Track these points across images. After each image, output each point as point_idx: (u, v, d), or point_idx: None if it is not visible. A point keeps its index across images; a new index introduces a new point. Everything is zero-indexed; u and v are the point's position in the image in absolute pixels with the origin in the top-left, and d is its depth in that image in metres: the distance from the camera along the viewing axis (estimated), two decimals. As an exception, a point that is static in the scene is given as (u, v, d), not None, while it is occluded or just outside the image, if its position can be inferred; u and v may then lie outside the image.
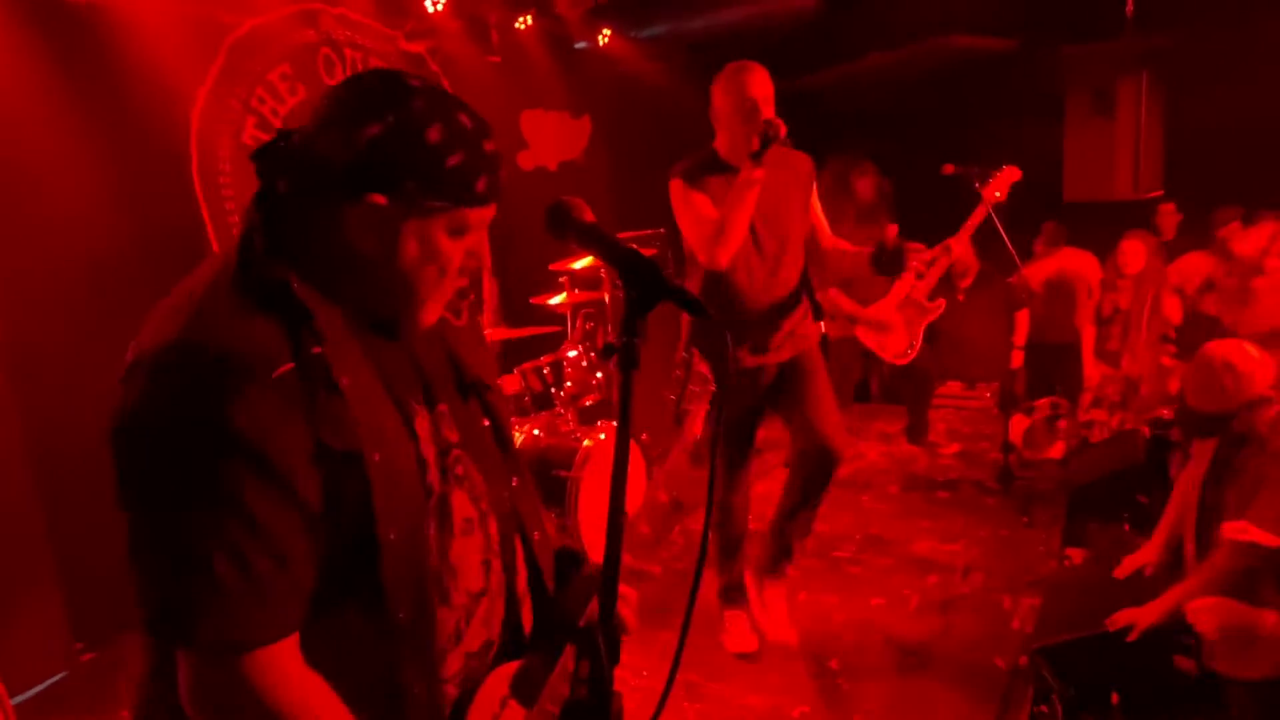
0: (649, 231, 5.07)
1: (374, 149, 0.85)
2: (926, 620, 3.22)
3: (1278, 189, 4.67)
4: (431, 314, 0.97)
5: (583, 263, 3.94)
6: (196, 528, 0.78)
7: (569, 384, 3.80)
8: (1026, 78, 5.35)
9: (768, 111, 2.56)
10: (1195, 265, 4.76)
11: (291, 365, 0.82)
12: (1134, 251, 4.58)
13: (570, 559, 1.21)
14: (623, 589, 1.09)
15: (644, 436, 4.23)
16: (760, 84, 2.60)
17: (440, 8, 4.34)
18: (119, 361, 0.86)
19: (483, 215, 0.93)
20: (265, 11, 3.66)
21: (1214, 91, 5.02)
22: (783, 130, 2.44)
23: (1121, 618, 2.37)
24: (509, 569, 1.04)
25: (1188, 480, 2.59)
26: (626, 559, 3.55)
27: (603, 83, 5.71)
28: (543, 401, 3.75)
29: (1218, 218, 4.73)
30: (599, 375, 3.91)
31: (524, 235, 4.91)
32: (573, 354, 3.85)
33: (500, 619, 1.02)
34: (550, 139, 5.39)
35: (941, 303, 4.47)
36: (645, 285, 0.88)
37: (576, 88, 5.47)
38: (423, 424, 0.95)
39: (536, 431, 3.69)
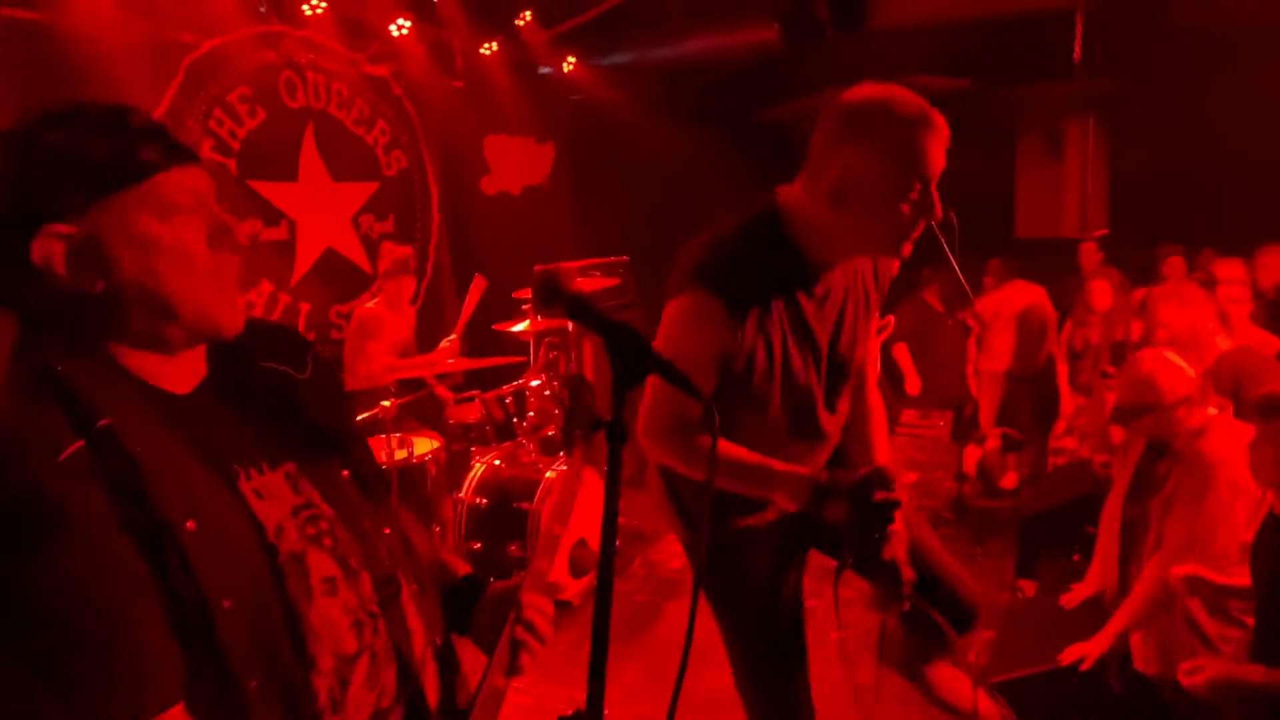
0: (611, 259, 5.09)
1: (14, 187, 0.83)
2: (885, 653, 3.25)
3: (1217, 229, 4.88)
4: (218, 315, 0.90)
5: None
6: (24, 633, 0.73)
7: (531, 414, 3.77)
8: (979, 117, 5.51)
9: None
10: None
11: (80, 443, 0.78)
12: (1101, 290, 4.75)
13: (472, 587, 1.17)
14: (538, 600, 1.08)
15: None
16: (942, 153, 1.46)
17: (405, 32, 4.32)
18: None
19: (178, 181, 0.87)
20: (225, 32, 3.61)
21: (1156, 135, 5.24)
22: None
23: (1072, 653, 2.43)
24: (396, 628, 0.98)
25: (1114, 499, 2.68)
26: (583, 583, 3.52)
27: (567, 109, 5.74)
28: (504, 431, 3.72)
29: (1167, 261, 4.91)
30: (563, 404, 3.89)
31: (486, 260, 4.93)
32: (535, 383, 3.83)
33: (392, 687, 0.97)
34: (514, 164, 5.39)
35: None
36: (633, 359, 0.88)
37: (541, 114, 5.48)
38: (256, 485, 0.90)
39: (498, 462, 3.65)
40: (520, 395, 3.79)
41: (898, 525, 1.44)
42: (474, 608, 1.15)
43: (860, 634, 2.19)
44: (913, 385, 5.24)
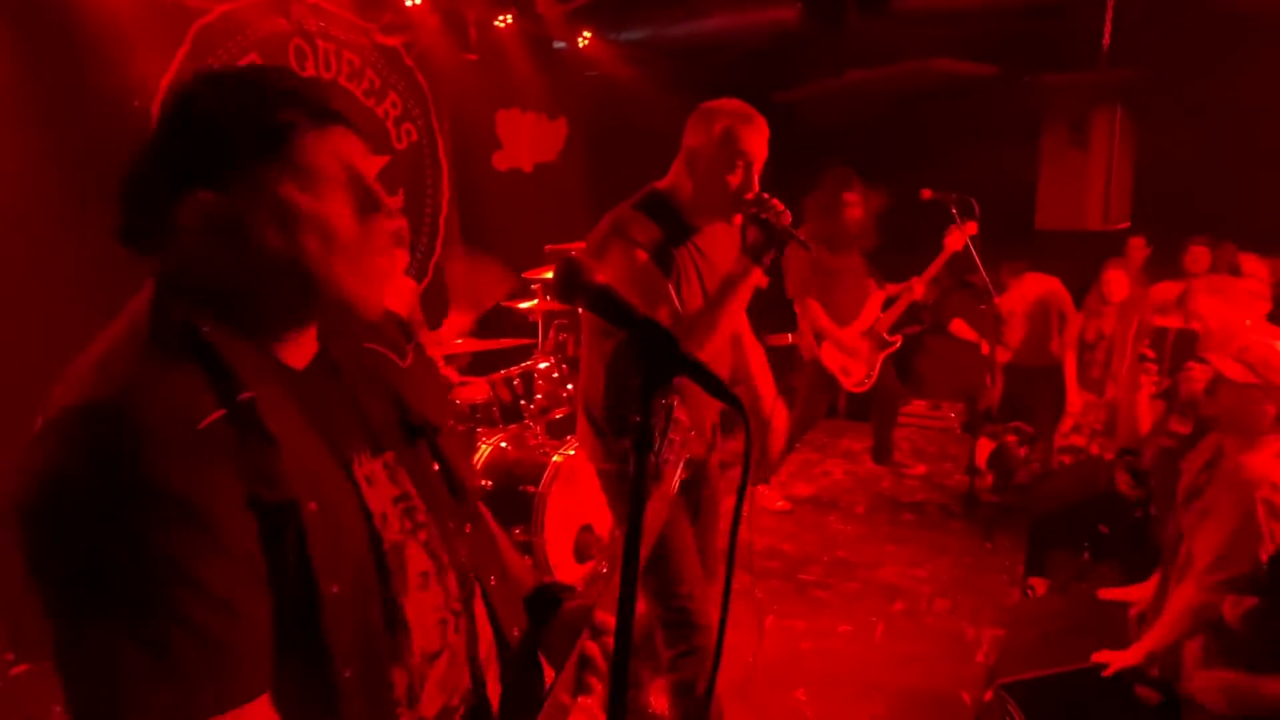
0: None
1: (160, 152, 0.82)
2: (892, 649, 3.21)
3: (1241, 223, 4.78)
4: (361, 293, 0.86)
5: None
6: (139, 607, 0.71)
7: (539, 396, 3.71)
8: (1004, 105, 5.40)
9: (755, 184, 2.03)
10: (1169, 294, 4.84)
11: (221, 413, 0.76)
12: (1118, 280, 4.65)
13: (548, 599, 1.14)
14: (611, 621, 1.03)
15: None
16: (760, 141, 2.03)
17: (418, 2, 4.22)
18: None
19: (323, 144, 0.83)
20: (235, -3, 3.51)
21: (1183, 126, 5.12)
22: (786, 219, 1.95)
23: (1104, 659, 2.36)
24: (470, 630, 0.97)
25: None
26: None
27: (581, 85, 5.63)
28: (511, 413, 3.66)
29: (1188, 249, 4.81)
30: (570, 387, 3.83)
31: (496, 238, 4.85)
32: (543, 365, 3.77)
33: (465, 686, 0.96)
34: (525, 140, 5.29)
35: (899, 338, 4.63)
36: (661, 357, 0.80)
37: (554, 89, 5.37)
38: (366, 471, 0.89)
39: (504, 444, 3.59)
40: (528, 377, 3.73)
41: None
42: (548, 624, 1.13)
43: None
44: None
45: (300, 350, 0.89)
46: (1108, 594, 2.77)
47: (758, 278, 1.99)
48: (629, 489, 0.77)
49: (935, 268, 4.52)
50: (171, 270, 0.83)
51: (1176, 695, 2.25)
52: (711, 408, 2.28)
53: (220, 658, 0.73)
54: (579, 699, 1.01)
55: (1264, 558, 2.10)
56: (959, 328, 5.27)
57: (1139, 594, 2.70)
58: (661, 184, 2.13)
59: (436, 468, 1.00)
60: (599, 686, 1.02)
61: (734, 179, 2.00)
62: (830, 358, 4.49)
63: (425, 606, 0.91)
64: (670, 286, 2.00)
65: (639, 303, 0.87)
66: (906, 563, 3.92)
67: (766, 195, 1.96)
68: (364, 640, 0.82)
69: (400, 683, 0.87)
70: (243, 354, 0.81)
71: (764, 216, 1.92)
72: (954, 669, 3.06)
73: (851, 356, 4.53)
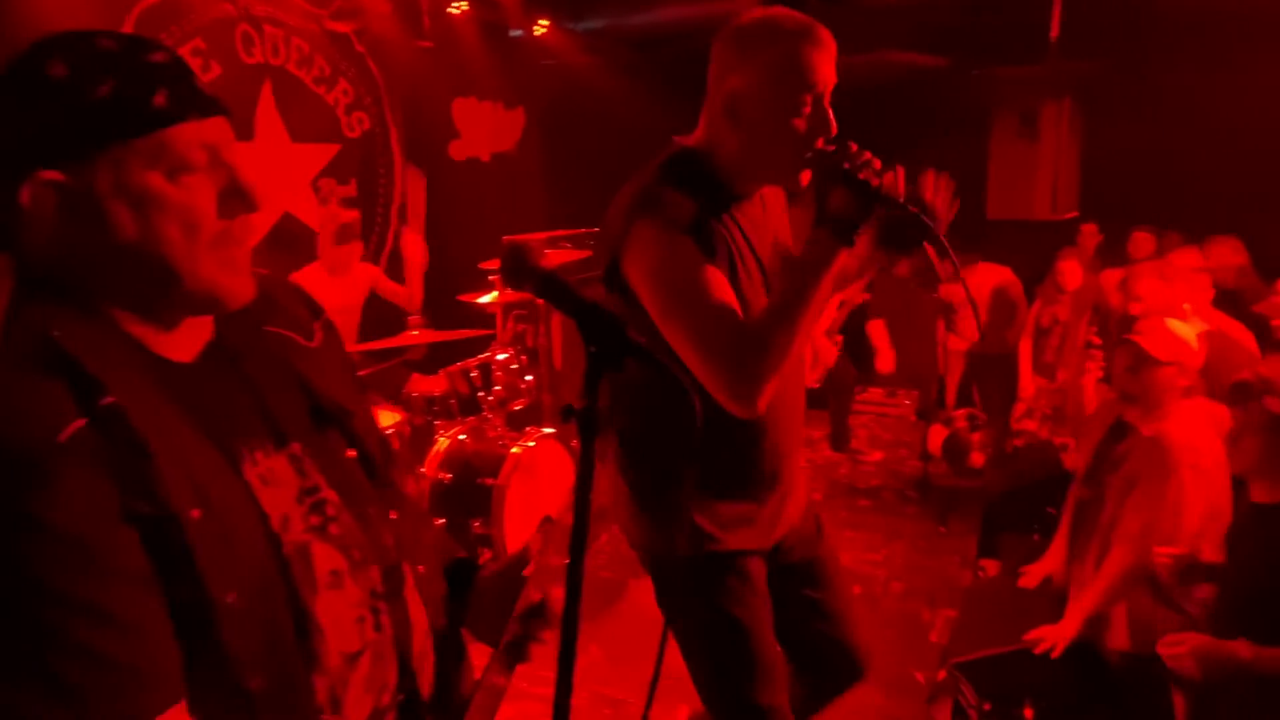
0: (583, 230, 4.99)
1: (14, 115, 0.73)
2: (849, 632, 3.27)
3: (1189, 211, 4.92)
4: (224, 283, 0.81)
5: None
6: (17, 642, 0.67)
7: (497, 388, 3.69)
8: (955, 96, 5.49)
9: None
10: (1116, 280, 4.97)
11: (82, 422, 0.70)
12: (1071, 270, 4.76)
13: (463, 572, 1.12)
14: (551, 589, 1.03)
15: (573, 443, 4.16)
16: (830, 66, 1.46)
17: (370, -12, 4.15)
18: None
19: (193, 134, 0.77)
20: (179, -19, 3.42)
21: (1130, 118, 5.25)
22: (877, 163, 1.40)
23: (1039, 634, 2.44)
24: (399, 622, 0.93)
25: (1076, 481, 2.70)
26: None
27: (539, 74, 5.59)
28: (469, 406, 3.64)
29: (1132, 236, 4.94)
30: (528, 379, 3.81)
31: (453, 229, 4.81)
32: (502, 356, 3.74)
33: (393, 684, 0.92)
34: (483, 129, 5.24)
35: (841, 338, 4.71)
36: (608, 342, 0.81)
37: (511, 78, 5.34)
38: (262, 469, 0.84)
39: (463, 437, 3.57)
40: (486, 369, 3.70)
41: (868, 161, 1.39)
42: (466, 597, 1.09)
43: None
44: (885, 363, 5.21)
45: (185, 341, 0.84)
46: (1029, 580, 2.84)
47: (844, 262, 1.41)
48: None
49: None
50: (27, 263, 0.77)
51: (1141, 666, 2.33)
52: None
53: (119, 677, 0.70)
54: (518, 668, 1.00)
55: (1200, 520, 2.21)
56: (875, 330, 5.26)
57: (1051, 565, 2.78)
58: (691, 140, 1.56)
59: (353, 454, 0.94)
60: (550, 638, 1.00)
61: (801, 123, 1.43)
62: None
63: (340, 605, 0.86)
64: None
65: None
66: (863, 548, 3.98)
67: (854, 145, 1.39)
68: (270, 648, 0.79)
69: (321, 687, 0.84)
70: (109, 353, 0.76)
71: (861, 175, 1.35)
72: (908, 650, 3.12)
73: (819, 352, 4.58)
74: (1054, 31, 4.90)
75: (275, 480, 0.84)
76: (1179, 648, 2.03)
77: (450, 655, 1.02)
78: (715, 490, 1.56)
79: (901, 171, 1.43)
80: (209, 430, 0.80)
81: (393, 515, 0.96)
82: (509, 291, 3.83)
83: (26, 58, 0.75)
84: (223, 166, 0.80)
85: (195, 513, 0.74)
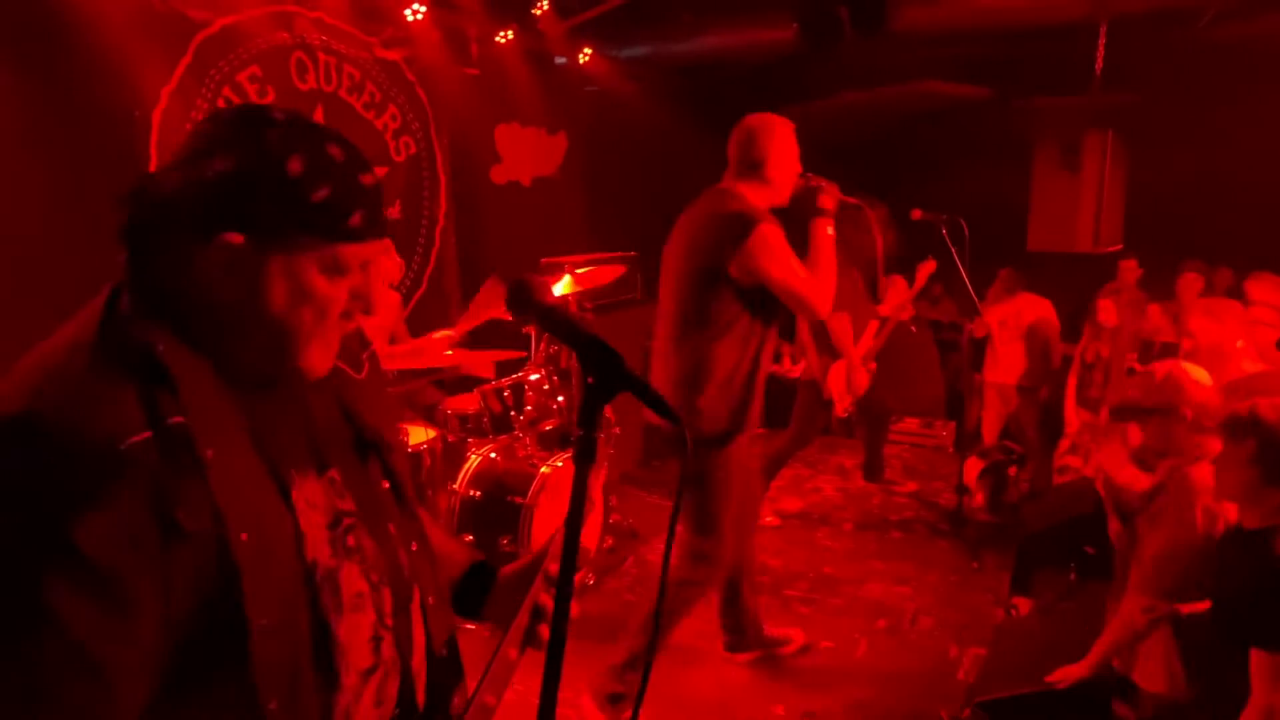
0: (620, 254, 5.05)
1: (223, 184, 0.79)
2: (874, 666, 3.23)
3: (1232, 247, 4.81)
4: (317, 362, 0.89)
5: (560, 285, 3.89)
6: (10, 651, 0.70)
7: (529, 408, 3.75)
8: (997, 127, 5.45)
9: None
10: (1160, 319, 4.88)
11: (146, 435, 0.74)
12: (1106, 310, 4.71)
13: (486, 573, 1.16)
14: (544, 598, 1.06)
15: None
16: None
17: (419, 17, 4.28)
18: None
19: (362, 253, 0.86)
20: (238, 10, 3.57)
21: (1174, 151, 5.17)
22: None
23: (1057, 675, 2.43)
24: (403, 643, 0.97)
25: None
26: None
27: (581, 101, 5.69)
28: (501, 424, 3.69)
29: (1182, 274, 4.85)
30: (560, 399, 3.86)
31: (493, 251, 4.90)
32: (534, 377, 3.80)
33: (394, 698, 0.96)
34: (525, 154, 5.34)
35: (874, 366, 4.70)
36: (606, 375, 0.85)
37: (554, 104, 5.44)
38: (305, 494, 0.88)
39: (494, 455, 3.63)
40: (519, 389, 3.76)
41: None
42: (490, 594, 1.14)
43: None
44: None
45: (257, 373, 0.90)
46: None
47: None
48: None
49: (916, 289, 4.68)
50: (149, 284, 0.82)
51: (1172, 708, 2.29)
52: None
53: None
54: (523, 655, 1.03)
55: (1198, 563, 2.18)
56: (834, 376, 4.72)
57: None
58: (725, 185, 2.82)
59: (386, 485, 0.99)
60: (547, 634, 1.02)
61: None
62: (835, 378, 4.52)
63: (359, 626, 0.91)
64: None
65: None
66: (893, 580, 3.93)
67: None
68: (291, 669, 0.82)
69: (339, 704, 0.87)
70: (195, 372, 0.80)
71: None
72: (934, 687, 3.07)
73: (854, 378, 4.57)
74: (1098, 63, 4.85)
75: (314, 505, 0.88)
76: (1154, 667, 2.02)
77: (447, 677, 1.05)
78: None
79: None
80: (265, 455, 0.84)
81: (414, 546, 1.00)
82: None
83: (273, 142, 0.81)
84: (363, 275, 0.89)
85: (244, 535, 0.78)
